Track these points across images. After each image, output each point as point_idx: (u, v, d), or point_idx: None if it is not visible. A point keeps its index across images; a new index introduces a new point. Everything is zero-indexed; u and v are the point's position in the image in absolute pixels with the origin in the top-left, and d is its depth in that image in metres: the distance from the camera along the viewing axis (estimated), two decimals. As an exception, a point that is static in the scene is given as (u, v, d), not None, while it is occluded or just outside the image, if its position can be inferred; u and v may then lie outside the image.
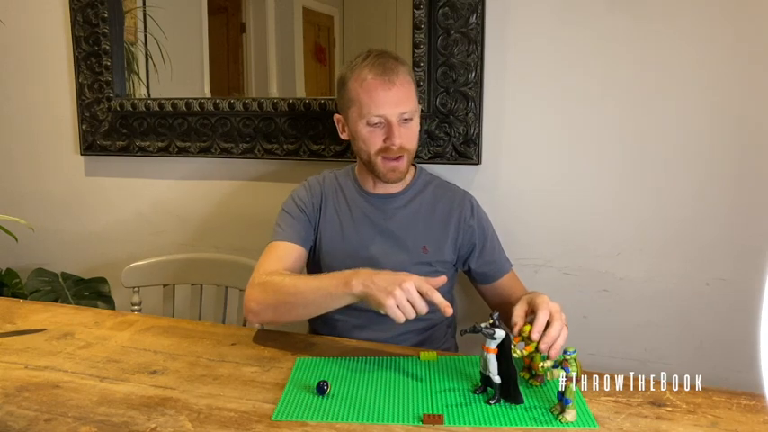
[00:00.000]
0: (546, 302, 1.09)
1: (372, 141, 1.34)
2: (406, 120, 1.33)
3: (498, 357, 0.97)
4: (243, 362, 1.14)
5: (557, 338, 1.04)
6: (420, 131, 1.42)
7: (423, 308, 1.06)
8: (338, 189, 1.47)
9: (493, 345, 0.97)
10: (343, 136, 1.43)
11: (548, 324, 1.05)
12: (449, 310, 1.07)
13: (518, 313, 1.11)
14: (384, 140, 1.33)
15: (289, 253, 1.36)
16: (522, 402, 0.97)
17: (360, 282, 1.11)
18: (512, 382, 0.97)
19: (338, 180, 1.48)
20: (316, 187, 1.47)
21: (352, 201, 1.45)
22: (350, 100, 1.35)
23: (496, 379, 0.98)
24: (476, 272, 1.44)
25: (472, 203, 1.46)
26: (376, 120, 1.32)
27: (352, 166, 1.50)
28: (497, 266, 1.44)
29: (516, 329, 1.07)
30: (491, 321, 0.97)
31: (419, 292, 1.06)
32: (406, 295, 1.05)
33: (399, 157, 1.34)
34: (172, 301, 1.75)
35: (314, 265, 1.46)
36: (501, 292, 1.44)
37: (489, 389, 1.00)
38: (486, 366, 0.99)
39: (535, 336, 1.04)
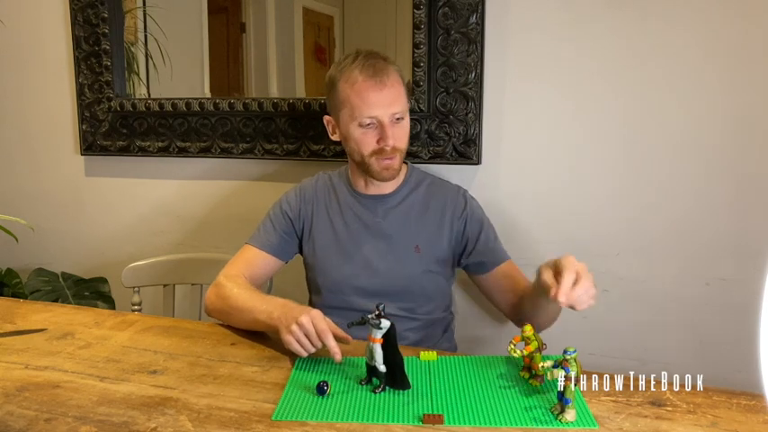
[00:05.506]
0: (572, 263, 1.07)
1: (366, 142, 1.34)
2: (398, 119, 1.33)
3: (384, 347, 1.00)
4: (243, 362, 1.14)
5: (580, 296, 1.04)
6: (412, 129, 1.42)
7: (317, 341, 1.11)
8: (331, 191, 1.47)
9: (379, 335, 1.00)
10: (334, 137, 1.42)
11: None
12: (337, 357, 1.10)
13: (547, 278, 1.08)
14: (377, 141, 1.33)
15: (257, 259, 1.42)
16: (409, 388, 1.00)
17: (276, 316, 1.17)
18: (398, 368, 1.00)
19: (332, 181, 1.49)
20: (307, 191, 1.47)
21: (344, 202, 1.45)
22: (341, 102, 1.35)
23: (382, 368, 1.01)
24: (473, 263, 1.43)
25: (465, 197, 1.45)
26: (368, 121, 1.32)
27: (346, 167, 1.49)
28: (495, 255, 1.42)
29: (553, 292, 1.05)
30: (377, 312, 1.01)
31: (316, 329, 1.10)
32: (302, 330, 1.11)
33: (393, 156, 1.35)
34: (172, 301, 1.75)
35: (310, 267, 1.47)
36: (502, 279, 1.41)
37: (374, 379, 1.03)
38: (371, 357, 1.01)
39: (562, 298, 1.03)
